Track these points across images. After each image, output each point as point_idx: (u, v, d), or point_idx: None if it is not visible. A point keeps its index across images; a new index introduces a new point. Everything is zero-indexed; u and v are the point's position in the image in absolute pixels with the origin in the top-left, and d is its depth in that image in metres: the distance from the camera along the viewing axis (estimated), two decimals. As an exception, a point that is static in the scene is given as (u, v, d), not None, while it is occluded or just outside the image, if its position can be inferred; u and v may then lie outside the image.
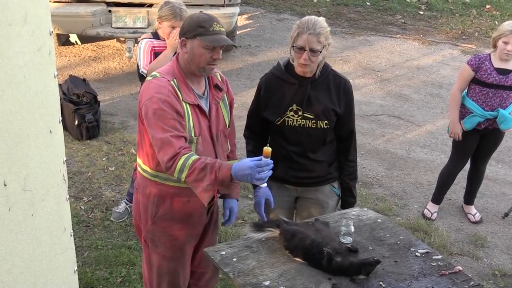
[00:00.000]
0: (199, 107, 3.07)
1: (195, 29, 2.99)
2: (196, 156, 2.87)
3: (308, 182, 3.60)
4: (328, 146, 3.58)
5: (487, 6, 11.53)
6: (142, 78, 4.49)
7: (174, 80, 3.02)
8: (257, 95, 3.59)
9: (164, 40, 4.45)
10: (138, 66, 4.51)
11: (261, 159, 2.85)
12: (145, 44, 4.48)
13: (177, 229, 3.21)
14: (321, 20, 3.33)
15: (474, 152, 5.19)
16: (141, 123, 3.05)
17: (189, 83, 3.07)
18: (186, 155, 2.86)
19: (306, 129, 3.47)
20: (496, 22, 10.54)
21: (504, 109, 4.82)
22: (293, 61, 3.41)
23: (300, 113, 3.45)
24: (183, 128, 2.96)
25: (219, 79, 3.28)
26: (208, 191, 2.85)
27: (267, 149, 2.89)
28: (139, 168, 3.21)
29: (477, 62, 4.86)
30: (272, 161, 2.87)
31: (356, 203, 3.75)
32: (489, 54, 4.86)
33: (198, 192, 2.88)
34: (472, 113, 4.89)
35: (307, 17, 3.35)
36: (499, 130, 4.92)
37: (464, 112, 4.98)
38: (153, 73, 3.09)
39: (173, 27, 4.37)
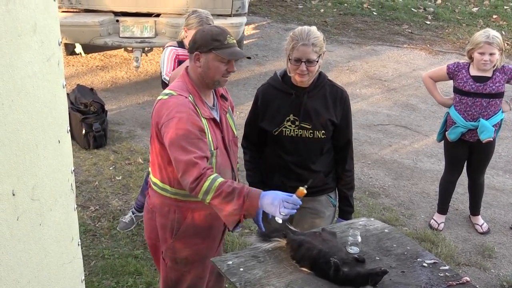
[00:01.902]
0: (214, 120, 3.06)
1: (210, 43, 2.97)
2: (221, 179, 2.85)
3: None
4: (325, 156, 3.60)
5: (494, 16, 11.51)
6: (164, 85, 4.53)
7: (190, 96, 2.99)
8: (254, 106, 3.62)
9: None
10: (161, 72, 4.55)
11: (292, 196, 2.86)
12: (169, 52, 4.51)
13: (199, 243, 3.19)
14: (314, 29, 3.36)
15: (468, 165, 5.19)
16: (158, 143, 3.01)
17: (203, 97, 3.07)
18: (211, 177, 2.83)
19: (303, 139, 3.49)
20: (503, 32, 10.53)
21: (487, 119, 4.79)
22: (290, 73, 3.43)
23: (297, 123, 3.47)
24: (206, 147, 2.94)
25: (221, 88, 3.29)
26: (234, 215, 2.82)
27: (302, 190, 2.93)
28: (155, 187, 3.16)
29: (454, 69, 4.88)
30: (300, 202, 2.89)
31: (353, 212, 3.79)
32: (469, 63, 4.86)
33: (223, 215, 2.86)
34: (456, 123, 4.88)
35: (299, 28, 3.38)
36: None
37: (449, 122, 4.97)
38: (167, 91, 3.05)
39: None
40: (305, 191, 2.93)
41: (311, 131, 3.47)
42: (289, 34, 3.39)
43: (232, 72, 3.08)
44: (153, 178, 3.18)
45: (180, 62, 4.46)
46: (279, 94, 3.49)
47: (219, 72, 3.01)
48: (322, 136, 3.49)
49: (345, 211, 3.71)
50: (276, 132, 3.50)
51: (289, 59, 3.36)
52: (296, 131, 3.48)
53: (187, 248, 3.18)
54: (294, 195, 2.88)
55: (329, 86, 3.52)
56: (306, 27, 3.36)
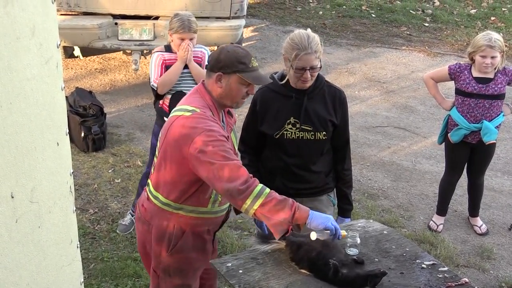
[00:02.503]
0: (227, 138, 3.02)
1: (235, 65, 2.95)
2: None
3: (306, 193, 3.62)
4: (325, 157, 3.63)
5: (492, 18, 11.52)
6: (154, 91, 4.52)
7: (211, 113, 2.98)
8: (252, 110, 3.62)
9: (176, 53, 4.47)
10: (149, 79, 4.55)
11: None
12: (156, 57, 4.50)
13: (194, 258, 3.18)
14: (312, 34, 3.36)
15: (468, 166, 5.20)
16: (177, 158, 2.93)
17: (219, 114, 3.07)
18: (261, 184, 2.82)
19: (304, 141, 3.50)
20: (502, 34, 10.54)
21: (489, 121, 4.80)
22: (293, 82, 3.45)
23: (298, 125, 3.48)
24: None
25: None
26: (284, 224, 2.78)
27: (345, 233, 2.97)
28: (155, 201, 3.09)
29: (456, 70, 4.88)
30: (340, 237, 2.93)
31: (352, 210, 3.84)
32: (470, 64, 4.87)
33: (271, 224, 2.80)
34: (458, 125, 4.88)
35: (297, 34, 3.36)
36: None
37: (451, 124, 4.98)
38: (189, 107, 2.97)
39: (182, 39, 4.40)
40: (345, 234, 3.00)
41: (312, 133, 3.49)
42: (287, 41, 3.37)
43: (252, 94, 3.10)
44: (153, 192, 3.11)
45: (167, 67, 4.46)
46: (278, 97, 3.50)
47: (240, 94, 3.01)
48: (323, 138, 3.51)
49: (345, 209, 3.76)
50: (277, 136, 3.51)
51: (292, 67, 3.36)
52: (297, 134, 3.49)
53: (181, 262, 3.15)
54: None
55: (327, 87, 3.55)
56: (303, 33, 3.35)
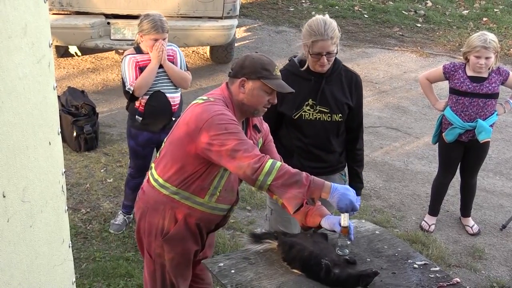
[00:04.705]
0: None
1: (259, 71, 2.99)
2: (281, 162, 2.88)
3: (322, 171, 3.71)
4: (340, 138, 3.80)
5: (484, 19, 11.55)
6: (128, 94, 4.50)
7: (226, 107, 3.01)
8: None
9: (148, 53, 4.46)
10: (123, 83, 4.51)
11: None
12: (128, 61, 4.47)
13: (187, 247, 3.20)
14: (328, 20, 3.49)
15: (462, 166, 5.21)
16: (187, 140, 2.96)
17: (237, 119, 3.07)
18: (272, 160, 2.84)
19: (322, 122, 3.66)
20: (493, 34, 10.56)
21: (484, 120, 4.83)
22: (311, 66, 3.57)
23: (316, 107, 3.63)
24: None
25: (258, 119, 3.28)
26: (298, 198, 2.80)
27: (345, 229, 2.94)
28: (155, 183, 3.13)
29: (451, 69, 4.90)
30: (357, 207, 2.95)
31: (363, 188, 4.01)
32: (465, 63, 4.89)
33: (286, 197, 2.82)
34: (453, 124, 4.90)
35: (315, 20, 3.49)
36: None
37: (445, 123, 4.99)
38: (204, 97, 3.05)
39: (156, 40, 4.39)
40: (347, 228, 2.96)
41: (329, 115, 3.65)
42: (305, 27, 3.50)
43: (273, 104, 3.12)
44: (155, 175, 3.14)
45: (141, 69, 4.44)
46: (297, 80, 3.60)
47: (261, 101, 3.04)
48: (339, 119, 3.68)
49: (356, 187, 3.82)
50: (296, 116, 3.65)
51: (309, 53, 3.50)
52: (315, 115, 3.65)
53: (174, 250, 3.19)
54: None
55: (344, 71, 3.72)
56: (321, 19, 3.47)
